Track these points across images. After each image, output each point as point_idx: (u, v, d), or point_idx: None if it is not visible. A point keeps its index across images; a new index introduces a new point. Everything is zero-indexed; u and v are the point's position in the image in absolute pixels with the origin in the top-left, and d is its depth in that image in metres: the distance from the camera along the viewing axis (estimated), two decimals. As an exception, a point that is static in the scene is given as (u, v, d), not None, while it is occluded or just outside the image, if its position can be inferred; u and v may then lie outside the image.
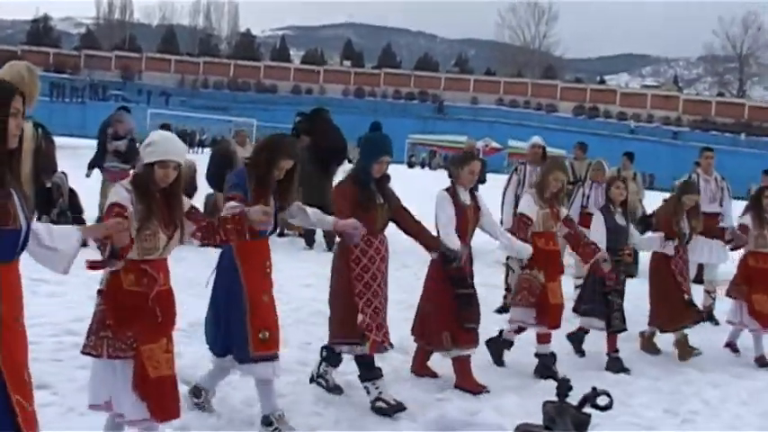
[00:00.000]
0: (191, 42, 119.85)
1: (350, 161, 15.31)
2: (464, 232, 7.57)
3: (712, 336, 10.51)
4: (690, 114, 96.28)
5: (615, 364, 8.79)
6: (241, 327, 5.92)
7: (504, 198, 12.29)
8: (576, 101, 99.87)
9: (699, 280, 12.34)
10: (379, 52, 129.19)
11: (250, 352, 5.89)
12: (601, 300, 8.90)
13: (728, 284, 10.20)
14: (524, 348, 8.71)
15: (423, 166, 75.47)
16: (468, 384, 7.53)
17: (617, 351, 8.91)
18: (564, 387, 5.14)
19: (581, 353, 9.30)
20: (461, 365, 7.60)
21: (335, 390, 7.14)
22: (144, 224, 4.84)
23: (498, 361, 8.63)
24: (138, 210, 4.82)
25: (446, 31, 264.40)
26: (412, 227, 7.22)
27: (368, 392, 6.83)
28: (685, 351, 9.39)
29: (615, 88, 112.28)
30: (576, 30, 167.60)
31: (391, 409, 6.69)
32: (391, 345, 6.92)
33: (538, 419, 6.79)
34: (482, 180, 13.14)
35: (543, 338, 8.46)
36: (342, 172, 16.01)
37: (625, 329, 8.99)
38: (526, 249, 8.09)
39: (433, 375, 7.86)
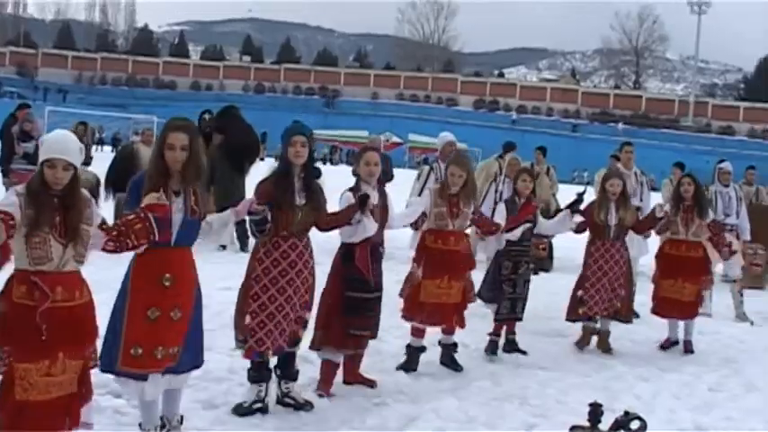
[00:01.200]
0: (87, 38, 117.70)
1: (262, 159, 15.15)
2: None
3: (635, 328, 10.46)
4: (588, 107, 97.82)
5: (490, 347, 9.04)
6: (114, 337, 5.39)
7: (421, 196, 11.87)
8: (477, 94, 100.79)
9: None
10: (279, 48, 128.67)
11: (116, 365, 5.37)
12: (496, 287, 9.03)
13: (653, 273, 10.41)
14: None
15: (324, 162, 75.26)
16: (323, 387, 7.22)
17: (498, 336, 9.11)
18: (596, 413, 5.05)
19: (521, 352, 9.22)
20: (327, 367, 7.24)
21: (306, 405, 6.73)
22: (32, 230, 4.49)
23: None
24: (26, 214, 4.47)
25: (344, 26, 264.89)
26: (330, 223, 6.86)
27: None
28: (602, 343, 9.60)
29: (515, 82, 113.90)
30: (474, 24, 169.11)
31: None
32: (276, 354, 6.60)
33: (478, 421, 6.77)
34: (389, 177, 12.96)
35: (416, 333, 8.23)
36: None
37: (517, 319, 9.14)
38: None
39: (369, 383, 7.50)
